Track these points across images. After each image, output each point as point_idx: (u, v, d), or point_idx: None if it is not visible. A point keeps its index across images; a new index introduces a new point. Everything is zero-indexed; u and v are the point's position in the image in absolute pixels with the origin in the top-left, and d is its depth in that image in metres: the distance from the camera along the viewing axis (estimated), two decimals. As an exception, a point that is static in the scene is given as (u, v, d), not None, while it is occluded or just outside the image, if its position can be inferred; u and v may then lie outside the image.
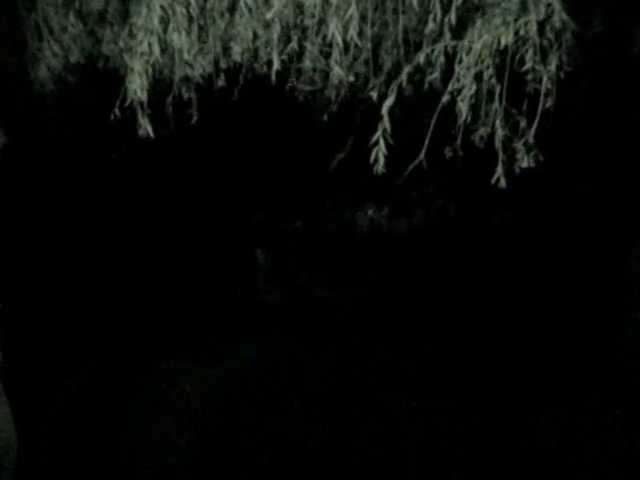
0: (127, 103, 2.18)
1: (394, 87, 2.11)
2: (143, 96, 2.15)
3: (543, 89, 2.22)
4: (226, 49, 2.41)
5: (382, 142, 2.04)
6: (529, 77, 2.30)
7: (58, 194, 4.05)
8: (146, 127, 2.16)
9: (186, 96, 2.47)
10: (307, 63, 2.53)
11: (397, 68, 2.74)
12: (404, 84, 2.21)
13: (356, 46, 2.08)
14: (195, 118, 2.52)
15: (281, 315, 4.20)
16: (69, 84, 3.27)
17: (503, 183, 2.27)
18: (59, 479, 2.33)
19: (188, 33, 2.16)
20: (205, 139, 3.32)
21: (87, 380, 3.25)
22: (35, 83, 3.05)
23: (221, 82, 2.52)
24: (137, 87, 2.12)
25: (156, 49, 2.07)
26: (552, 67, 2.23)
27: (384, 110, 2.06)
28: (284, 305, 4.40)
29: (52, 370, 3.14)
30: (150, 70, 2.15)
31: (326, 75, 2.82)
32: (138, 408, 3.04)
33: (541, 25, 2.24)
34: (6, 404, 1.66)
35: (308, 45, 2.37)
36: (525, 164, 2.42)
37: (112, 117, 2.32)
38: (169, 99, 2.38)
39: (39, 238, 3.81)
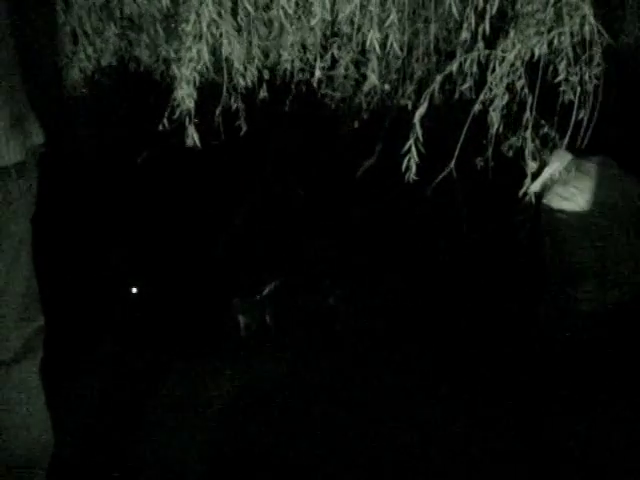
0: (176, 113, 2.21)
1: (426, 95, 2.13)
2: (191, 105, 2.18)
3: (576, 100, 2.22)
4: (267, 57, 2.45)
5: (414, 150, 2.06)
6: (562, 88, 2.31)
7: (86, 195, 4.13)
8: (193, 136, 2.19)
9: (234, 106, 2.49)
10: (341, 71, 2.57)
11: (428, 77, 2.76)
12: (436, 93, 2.23)
13: (391, 55, 2.10)
14: (244, 129, 2.54)
15: (301, 320, 4.22)
16: (101, 86, 3.34)
17: (533, 196, 2.28)
18: (78, 475, 2.36)
19: (236, 41, 2.20)
20: (237, 146, 3.37)
21: (106, 377, 3.29)
22: (68, 86, 3.12)
23: (263, 92, 2.55)
24: (185, 95, 2.16)
25: (205, 56, 2.10)
26: (586, 78, 2.23)
27: (416, 118, 2.08)
28: (305, 310, 4.42)
29: (71, 367, 3.19)
30: (198, 78, 2.18)
31: (357, 83, 2.86)
32: (156, 408, 3.06)
33: (574, 36, 2.24)
34: (43, 397, 1.70)
35: (343, 53, 2.41)
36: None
37: (161, 127, 2.35)
38: (218, 108, 2.41)
39: (68, 235, 3.89)
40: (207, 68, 2.27)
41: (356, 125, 3.23)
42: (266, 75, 2.49)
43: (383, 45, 1.91)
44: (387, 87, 2.81)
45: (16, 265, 1.56)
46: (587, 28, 2.20)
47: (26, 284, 1.61)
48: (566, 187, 2.55)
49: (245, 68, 2.51)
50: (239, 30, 2.36)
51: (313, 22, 1.89)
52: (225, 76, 2.34)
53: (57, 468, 1.85)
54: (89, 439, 2.70)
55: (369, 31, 1.92)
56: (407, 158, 2.05)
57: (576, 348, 3.29)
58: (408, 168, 2.05)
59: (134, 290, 4.28)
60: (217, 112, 2.40)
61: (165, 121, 2.39)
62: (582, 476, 2.40)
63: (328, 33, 2.27)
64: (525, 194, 2.19)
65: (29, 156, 1.54)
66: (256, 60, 2.46)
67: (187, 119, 2.21)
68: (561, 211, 2.82)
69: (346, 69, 2.77)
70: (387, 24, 1.85)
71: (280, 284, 4.44)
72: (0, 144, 1.44)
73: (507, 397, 2.96)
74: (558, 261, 3.03)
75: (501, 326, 3.76)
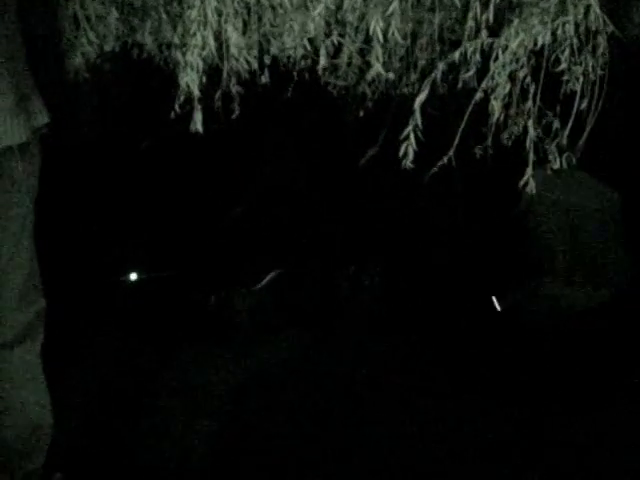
0: (181, 98, 2.21)
1: (428, 83, 2.12)
2: (195, 91, 2.18)
3: (579, 90, 2.22)
4: (270, 43, 2.45)
5: (412, 137, 2.06)
6: (565, 78, 2.30)
7: (87, 181, 4.13)
8: (197, 122, 2.19)
9: (234, 90, 2.49)
10: (344, 59, 2.56)
11: (431, 65, 2.75)
12: (438, 81, 2.22)
13: (395, 43, 2.10)
14: (246, 115, 2.54)
15: (308, 311, 4.22)
16: (104, 72, 3.33)
17: (532, 187, 2.28)
18: (86, 462, 2.37)
19: (238, 27, 2.19)
20: (239, 134, 3.36)
21: (111, 363, 3.31)
22: (70, 71, 3.11)
23: (265, 78, 2.55)
24: (190, 81, 2.16)
25: (210, 42, 2.10)
26: (589, 68, 2.22)
27: (416, 105, 2.07)
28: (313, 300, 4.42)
29: (75, 352, 3.20)
30: (202, 64, 2.18)
31: (360, 71, 2.85)
32: (161, 394, 3.08)
33: (578, 26, 2.23)
34: (44, 381, 1.71)
35: (347, 41, 2.40)
36: (557, 165, 2.43)
37: (172, 114, 2.35)
38: (218, 94, 2.41)
39: (70, 220, 3.90)
40: (212, 54, 2.27)
41: (360, 114, 3.22)
42: (267, 60, 2.48)
43: (386, 33, 1.91)
44: (391, 76, 2.80)
45: (19, 247, 1.57)
46: (592, 17, 2.19)
47: (28, 266, 1.62)
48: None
49: (248, 54, 2.51)
50: (243, 16, 2.35)
51: (317, 10, 1.88)
52: (227, 62, 2.33)
53: (57, 451, 1.87)
54: (90, 424, 2.72)
55: (372, 19, 1.92)
56: (405, 145, 2.05)
57: (551, 342, 3.38)
58: (405, 155, 2.05)
59: (134, 276, 4.29)
60: (216, 97, 2.40)
61: (176, 107, 2.39)
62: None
63: (332, 21, 2.26)
64: (525, 184, 2.18)
65: (33, 137, 1.55)
66: (259, 47, 2.45)
67: (193, 105, 2.21)
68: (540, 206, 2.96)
69: (350, 57, 2.76)
70: (389, 12, 1.84)
71: (282, 272, 4.45)
72: (5, 124, 1.44)
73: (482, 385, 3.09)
74: (534, 255, 3.20)
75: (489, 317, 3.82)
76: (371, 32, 1.89)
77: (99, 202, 4.24)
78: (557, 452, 2.59)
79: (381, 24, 1.87)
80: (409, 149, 2.06)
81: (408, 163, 2.07)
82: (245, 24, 2.45)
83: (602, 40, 2.23)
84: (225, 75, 2.32)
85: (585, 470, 2.47)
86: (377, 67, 2.05)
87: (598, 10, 2.16)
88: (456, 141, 2.20)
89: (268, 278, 4.40)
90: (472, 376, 3.19)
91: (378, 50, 2.00)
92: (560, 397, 2.95)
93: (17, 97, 1.48)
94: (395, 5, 1.82)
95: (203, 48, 2.24)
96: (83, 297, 3.70)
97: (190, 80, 2.28)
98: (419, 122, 2.06)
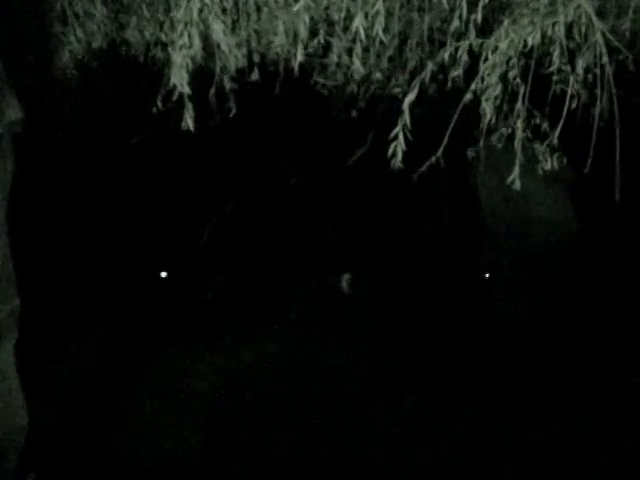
0: (174, 97, 2.19)
1: (417, 83, 2.10)
2: (186, 89, 2.16)
3: (569, 91, 2.19)
4: (259, 42, 2.42)
5: (401, 137, 2.03)
6: (555, 78, 2.28)
7: (73, 178, 4.10)
8: (188, 120, 2.17)
9: (227, 87, 2.47)
10: (333, 58, 2.53)
11: (421, 66, 2.73)
12: (427, 81, 2.20)
13: (381, 43, 2.07)
14: (233, 111, 2.52)
15: (299, 309, 4.20)
16: (91, 69, 3.30)
17: (518, 185, 2.25)
18: (59, 462, 2.34)
19: (225, 26, 2.17)
20: (229, 131, 3.34)
21: (94, 362, 3.28)
22: (58, 67, 3.08)
23: (255, 76, 2.53)
24: (178, 80, 2.14)
25: (196, 41, 2.08)
26: (579, 69, 2.20)
27: (405, 105, 2.05)
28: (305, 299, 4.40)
29: (58, 350, 3.17)
30: (190, 63, 2.16)
31: (349, 71, 2.82)
32: (146, 394, 3.05)
33: (569, 26, 2.21)
34: (17, 380, 1.67)
35: (334, 40, 2.37)
36: (548, 166, 2.41)
37: (155, 110, 2.34)
38: (211, 91, 2.38)
39: (54, 221, 3.86)
40: (199, 53, 2.25)
41: (349, 113, 3.20)
42: (257, 59, 2.46)
43: (369, 33, 1.88)
44: (379, 76, 2.77)
45: None
46: (582, 18, 2.17)
47: (1, 265, 1.58)
48: None
49: (237, 53, 2.49)
50: (229, 15, 2.33)
51: (297, 7, 1.84)
52: (218, 61, 2.31)
53: (31, 452, 1.83)
54: (67, 423, 2.68)
55: (356, 18, 1.88)
56: (394, 145, 2.02)
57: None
58: (394, 155, 2.02)
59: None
60: (210, 95, 2.39)
61: (159, 104, 2.37)
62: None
63: (318, 19, 2.24)
64: (512, 183, 2.16)
65: (5, 132, 1.52)
66: (247, 45, 2.43)
67: (183, 102, 2.19)
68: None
69: (338, 57, 2.74)
70: (373, 11, 1.81)
71: (277, 271, 4.43)
72: None
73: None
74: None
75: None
76: (353, 30, 1.86)
77: (84, 198, 4.21)
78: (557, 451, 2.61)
79: (364, 23, 1.83)
80: (398, 149, 2.03)
81: (397, 163, 2.04)
82: (233, 23, 2.43)
83: (594, 41, 2.21)
84: (216, 73, 2.30)
85: (585, 470, 2.48)
86: (358, 66, 2.02)
87: (588, 9, 2.13)
88: (445, 141, 2.18)
89: (267, 276, 4.39)
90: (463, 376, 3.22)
91: (359, 49, 1.96)
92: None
93: None
94: (379, 5, 1.79)
95: (190, 47, 2.22)
96: (68, 293, 3.68)
97: (179, 78, 2.26)
98: (408, 122, 2.03)
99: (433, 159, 2.11)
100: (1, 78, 1.52)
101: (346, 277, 4.58)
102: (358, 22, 1.84)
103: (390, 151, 1.99)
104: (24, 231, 1.89)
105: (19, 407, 1.70)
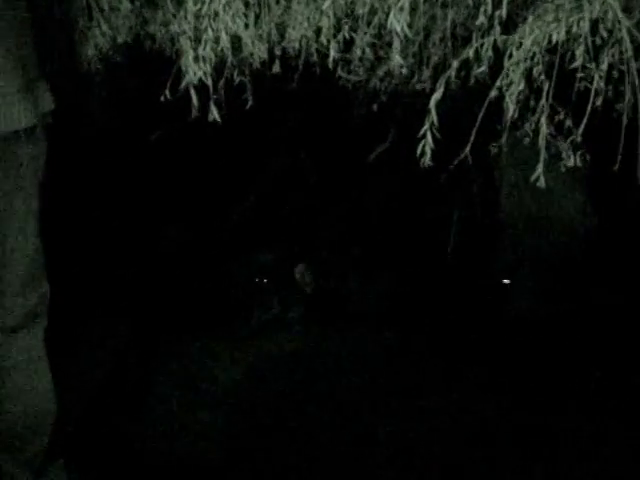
0: (182, 86, 2.21)
1: (442, 81, 2.10)
2: (209, 82, 2.19)
3: (593, 87, 2.19)
4: (282, 36, 2.44)
5: (429, 135, 2.04)
6: (579, 75, 2.27)
7: (99, 169, 4.15)
8: (214, 112, 2.20)
9: (238, 80, 2.50)
10: (357, 53, 2.54)
11: (444, 62, 2.73)
12: (452, 78, 2.20)
13: (406, 38, 2.08)
14: (250, 103, 2.55)
15: (315, 304, 4.22)
16: (116, 63, 3.35)
17: (542, 182, 2.26)
18: (83, 451, 2.37)
19: (246, 18, 2.19)
20: (250, 125, 3.37)
21: (116, 353, 3.31)
22: (83, 61, 3.12)
23: (276, 69, 2.55)
24: (203, 74, 2.17)
25: (214, 34, 2.10)
26: (604, 66, 2.20)
27: (432, 104, 2.06)
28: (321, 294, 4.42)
29: (84, 339, 3.22)
30: (210, 56, 2.18)
31: (372, 66, 2.84)
32: (166, 386, 3.08)
33: (594, 23, 2.20)
34: (47, 365, 1.71)
35: (358, 35, 2.38)
36: (571, 163, 2.41)
37: (163, 99, 2.36)
38: (221, 83, 2.41)
39: (79, 213, 3.91)
40: (223, 47, 2.27)
41: (373, 109, 3.22)
42: (278, 52, 2.48)
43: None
44: (404, 71, 2.78)
45: (24, 232, 1.57)
46: (608, 14, 2.16)
47: (33, 250, 1.62)
48: None
49: (259, 47, 2.51)
50: (253, 9, 2.35)
51: (325, 5, 1.86)
52: (237, 55, 2.34)
53: (60, 436, 1.87)
54: (93, 411, 2.72)
55: (385, 13, 1.90)
56: (422, 144, 2.04)
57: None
58: (423, 154, 2.03)
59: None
60: (221, 88, 2.41)
61: (167, 93, 2.39)
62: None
63: (342, 14, 2.25)
64: (536, 180, 2.16)
65: (39, 122, 1.55)
66: (269, 40, 2.45)
67: (208, 95, 2.21)
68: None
69: (362, 52, 2.75)
70: (399, 6, 1.82)
71: (290, 265, 4.44)
72: (12, 108, 1.45)
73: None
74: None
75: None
76: (388, 26, 1.87)
77: (107, 192, 4.26)
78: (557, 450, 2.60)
79: (398, 17, 1.84)
80: (426, 148, 2.05)
81: (427, 161, 2.05)
82: (256, 17, 2.45)
83: (618, 37, 2.20)
84: (236, 67, 2.33)
85: (585, 470, 2.48)
86: (398, 59, 2.02)
87: (615, 6, 2.13)
88: (472, 138, 2.19)
89: (277, 270, 4.41)
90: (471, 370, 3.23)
91: (398, 43, 1.96)
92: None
93: (24, 82, 1.49)
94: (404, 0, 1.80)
95: (216, 42, 2.25)
96: (90, 285, 3.72)
97: (202, 72, 2.28)
98: (435, 121, 2.04)
99: (462, 156, 2.12)
100: (35, 69, 1.55)
101: (299, 267, 4.45)
102: (392, 16, 1.84)
103: (419, 150, 2.00)
104: (53, 220, 1.92)
105: (49, 392, 1.74)
